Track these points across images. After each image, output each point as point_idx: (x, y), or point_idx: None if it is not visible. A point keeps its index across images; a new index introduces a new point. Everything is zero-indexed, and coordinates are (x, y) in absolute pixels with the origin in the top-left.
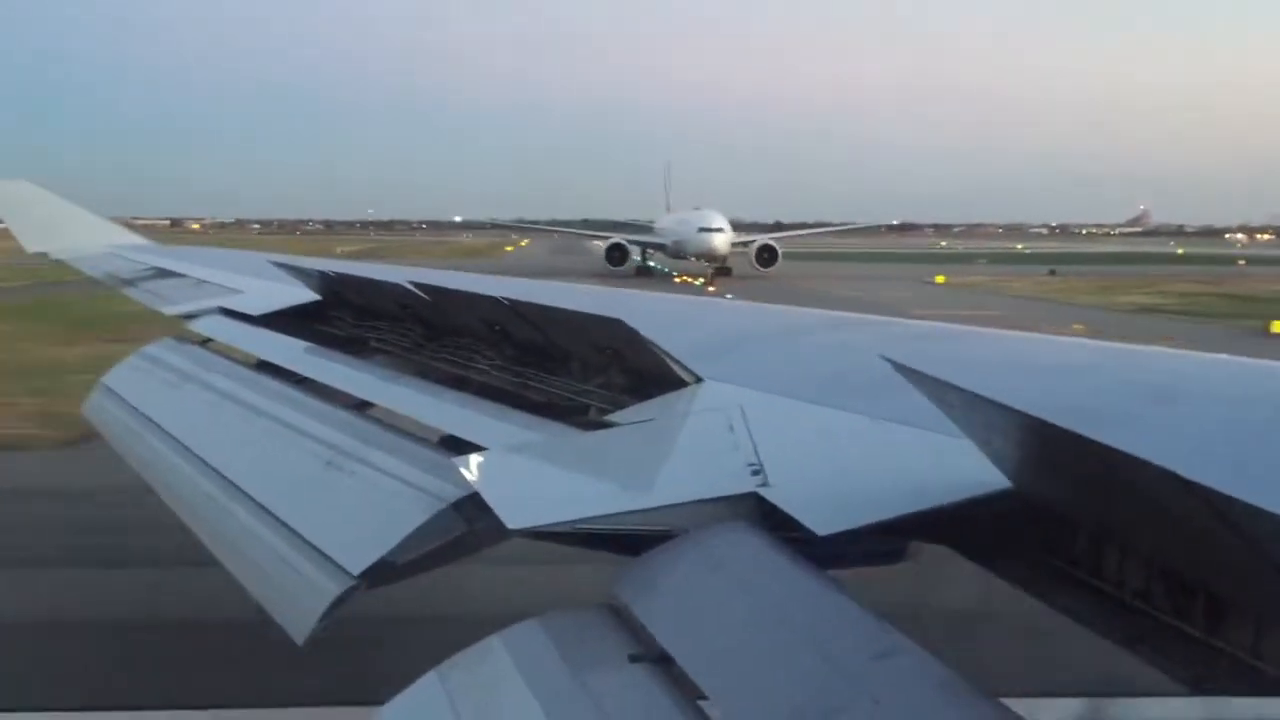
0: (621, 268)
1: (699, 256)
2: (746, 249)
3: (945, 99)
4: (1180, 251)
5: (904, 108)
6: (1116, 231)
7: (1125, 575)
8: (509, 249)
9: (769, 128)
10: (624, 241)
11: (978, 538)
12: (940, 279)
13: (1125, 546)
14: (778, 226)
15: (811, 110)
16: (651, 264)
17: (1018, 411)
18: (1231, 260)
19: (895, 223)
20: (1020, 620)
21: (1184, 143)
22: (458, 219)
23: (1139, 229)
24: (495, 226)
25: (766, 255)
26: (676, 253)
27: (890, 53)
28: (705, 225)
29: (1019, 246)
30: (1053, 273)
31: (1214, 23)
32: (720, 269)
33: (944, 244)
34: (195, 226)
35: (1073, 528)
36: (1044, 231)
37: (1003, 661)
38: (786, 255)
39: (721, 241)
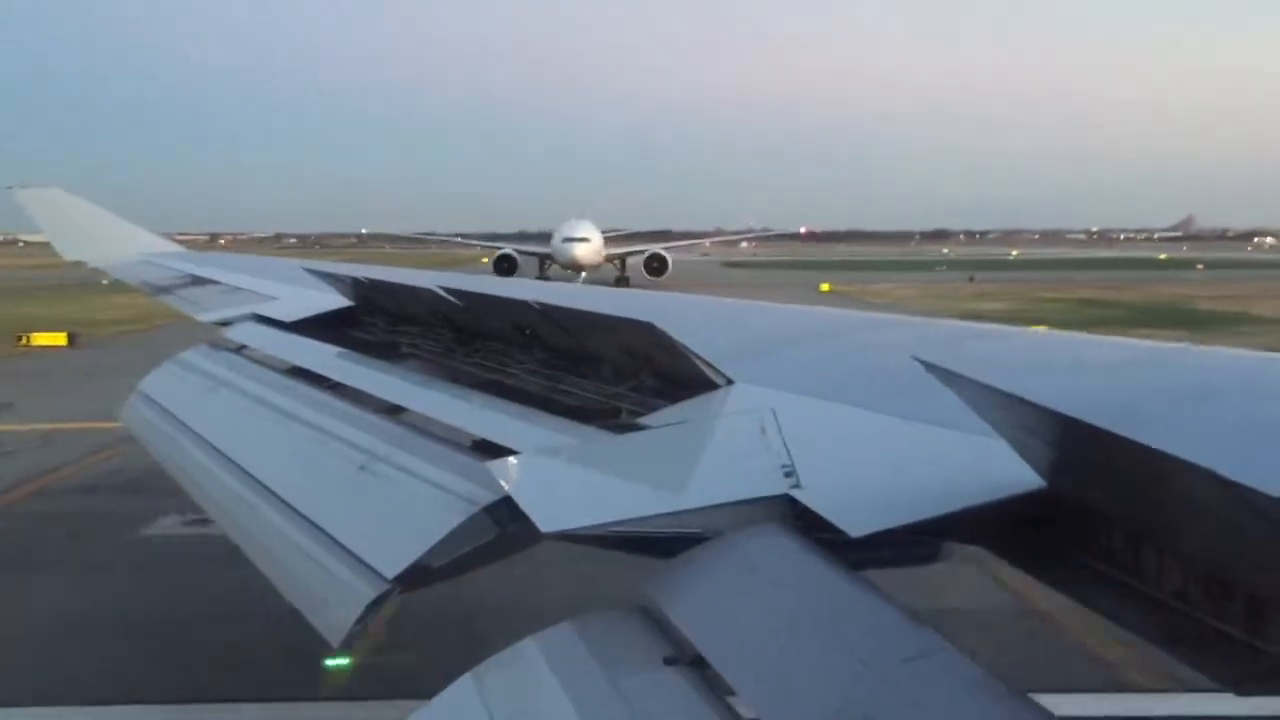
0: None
1: (565, 266)
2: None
3: (981, 102)
4: (1163, 257)
5: (936, 112)
6: (1156, 236)
7: (1163, 575)
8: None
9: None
10: (513, 253)
11: (1012, 538)
12: (825, 287)
13: (1163, 546)
14: (718, 233)
15: (838, 110)
16: (550, 276)
17: (1052, 411)
18: (1197, 265)
19: (929, 230)
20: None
21: (1235, 145)
22: (364, 231)
23: (1179, 234)
24: (395, 239)
25: (656, 265)
26: (560, 263)
27: (932, 52)
28: (569, 235)
29: (1013, 253)
30: (971, 279)
31: (1273, 19)
32: (620, 278)
33: (945, 250)
34: (221, 242)
35: (1109, 527)
36: (1082, 237)
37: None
38: (727, 264)
39: (584, 251)
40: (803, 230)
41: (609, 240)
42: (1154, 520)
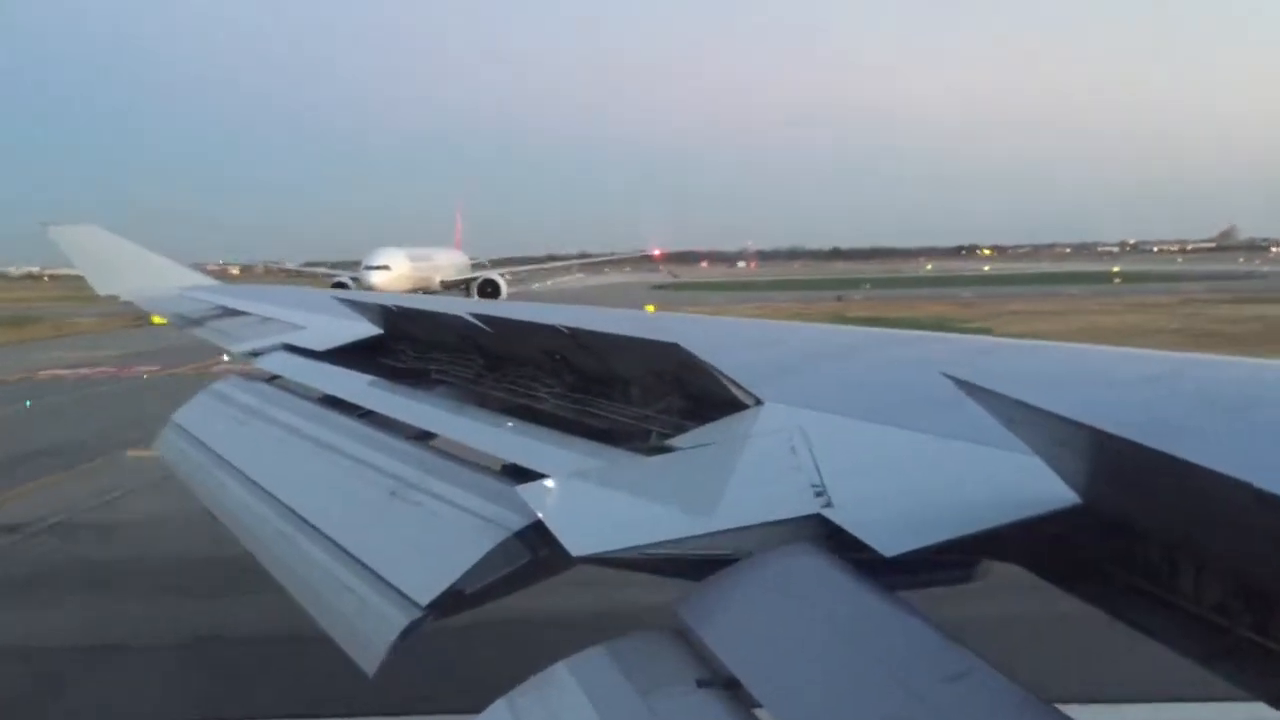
0: None
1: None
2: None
3: (1010, 113)
4: (1116, 270)
5: (964, 125)
6: (1190, 248)
7: (1202, 590)
8: None
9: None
10: (348, 280)
11: (1048, 555)
12: (650, 308)
13: (1202, 561)
14: (583, 256)
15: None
16: None
17: (1086, 426)
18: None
19: (956, 246)
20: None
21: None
22: (221, 263)
23: (1214, 245)
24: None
25: (490, 289)
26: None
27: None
28: (369, 263)
29: (985, 268)
30: (839, 299)
31: None
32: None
33: (929, 267)
34: (235, 270)
35: (1146, 542)
36: (1115, 250)
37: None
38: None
39: (381, 279)
40: (655, 253)
41: (475, 266)
42: (1192, 534)
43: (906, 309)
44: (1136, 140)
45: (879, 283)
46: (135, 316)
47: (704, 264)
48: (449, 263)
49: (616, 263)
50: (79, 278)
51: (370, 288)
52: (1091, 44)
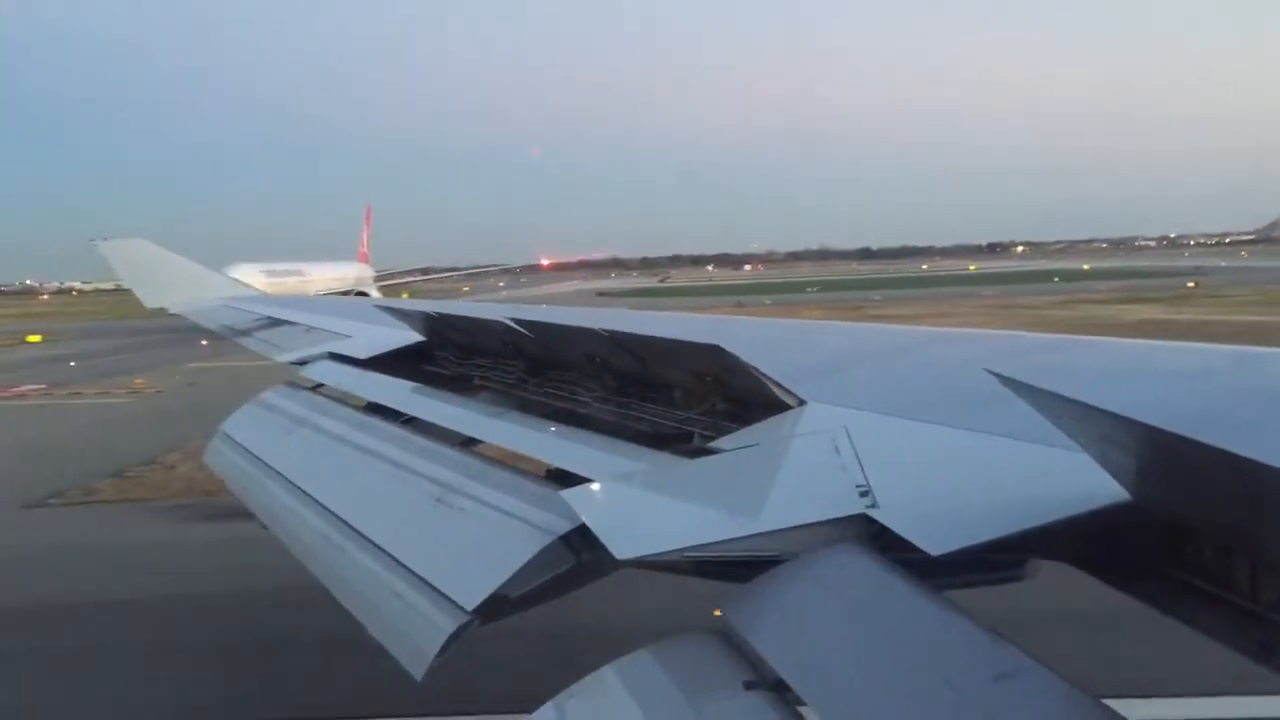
0: None
1: None
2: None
3: (1055, 106)
4: (1086, 267)
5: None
6: (1229, 240)
7: (1257, 586)
8: None
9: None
10: None
11: (1098, 552)
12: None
13: (1256, 556)
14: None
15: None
16: None
17: (1135, 421)
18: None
19: (990, 243)
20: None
21: None
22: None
23: (1255, 237)
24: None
25: None
26: None
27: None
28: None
29: (970, 267)
30: (739, 304)
31: None
32: None
33: (925, 267)
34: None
35: (1197, 538)
36: (1152, 245)
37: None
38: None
39: None
40: (544, 263)
41: (381, 278)
42: (1245, 530)
43: (787, 312)
44: (1186, 130)
45: (827, 285)
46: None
47: (709, 267)
48: (332, 276)
49: (501, 273)
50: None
51: None
52: (1143, 29)
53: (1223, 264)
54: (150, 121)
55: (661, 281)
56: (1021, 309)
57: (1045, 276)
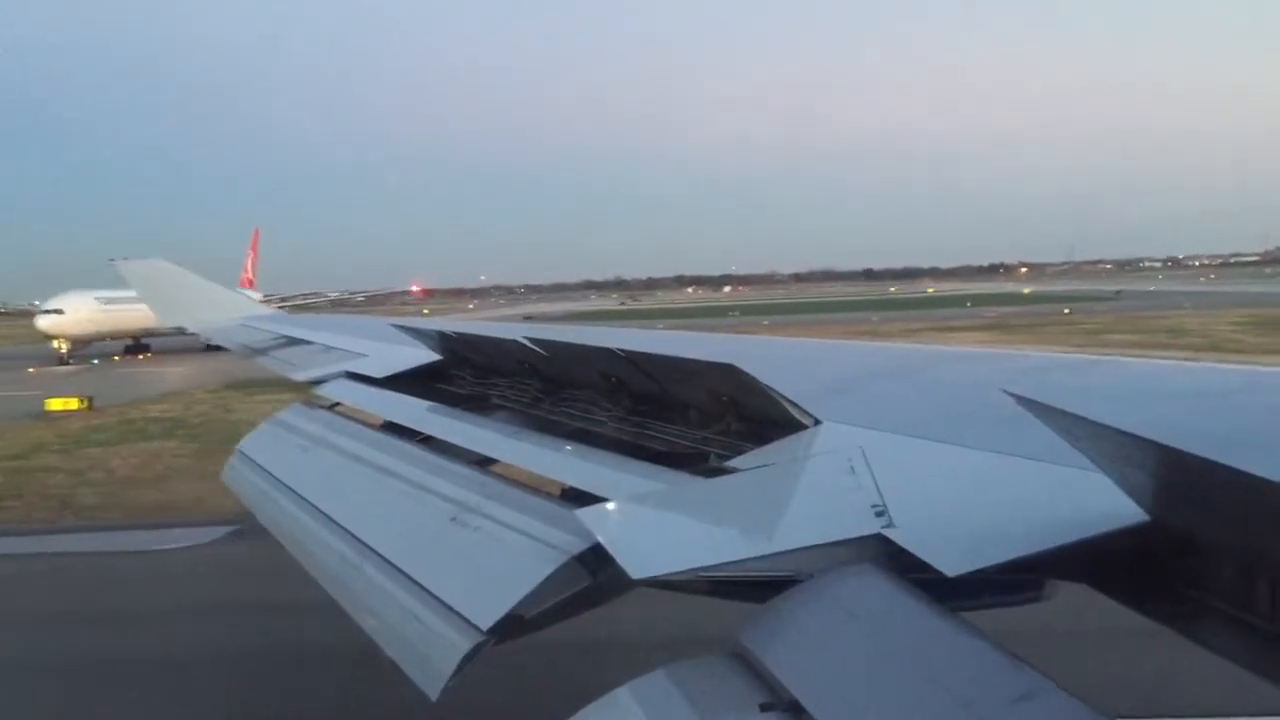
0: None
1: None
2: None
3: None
4: (1027, 291)
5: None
6: (1232, 261)
7: (1278, 608)
8: None
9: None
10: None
11: (1117, 573)
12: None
13: (1276, 578)
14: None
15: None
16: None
17: (1153, 442)
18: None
19: (991, 265)
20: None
21: None
22: None
23: (1259, 259)
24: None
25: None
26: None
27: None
28: (45, 307)
29: (929, 290)
30: (623, 302)
31: None
32: (135, 346)
33: (893, 289)
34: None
35: (1217, 560)
36: (1158, 266)
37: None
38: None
39: (48, 324)
40: (414, 288)
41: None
42: (1266, 551)
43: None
44: (1198, 149)
45: (789, 309)
46: None
47: (690, 289)
48: None
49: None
50: None
51: (42, 331)
52: (1152, 50)
53: (1151, 288)
54: None
55: (623, 304)
56: (866, 333)
57: (960, 301)
